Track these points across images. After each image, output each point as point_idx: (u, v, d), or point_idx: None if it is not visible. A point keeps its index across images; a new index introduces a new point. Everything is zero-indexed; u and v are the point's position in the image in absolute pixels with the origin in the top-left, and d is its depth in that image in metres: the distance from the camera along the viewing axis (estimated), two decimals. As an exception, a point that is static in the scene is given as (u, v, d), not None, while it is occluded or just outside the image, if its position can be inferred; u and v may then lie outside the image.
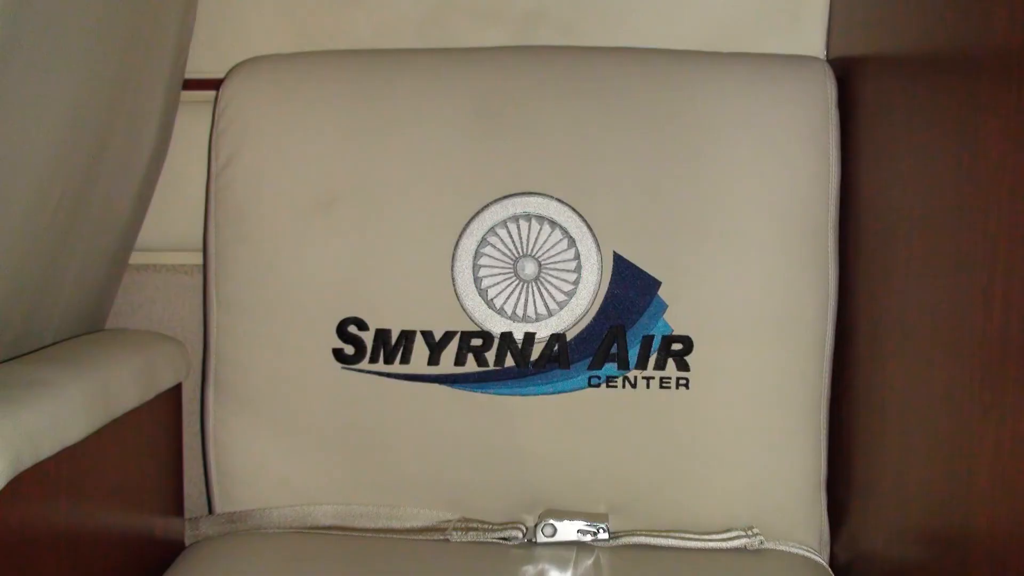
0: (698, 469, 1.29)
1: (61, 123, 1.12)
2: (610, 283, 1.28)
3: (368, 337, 1.29)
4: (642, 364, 1.27)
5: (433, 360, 1.28)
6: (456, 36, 1.45)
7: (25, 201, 1.10)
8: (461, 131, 1.30)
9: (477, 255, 1.28)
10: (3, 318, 1.14)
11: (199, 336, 1.44)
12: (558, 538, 1.26)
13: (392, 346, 1.29)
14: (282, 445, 1.32)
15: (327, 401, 1.30)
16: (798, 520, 1.29)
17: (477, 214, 1.28)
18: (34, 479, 0.95)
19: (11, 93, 0.99)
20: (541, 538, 1.26)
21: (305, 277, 1.30)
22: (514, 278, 1.28)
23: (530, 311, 1.28)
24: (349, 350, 1.29)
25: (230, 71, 1.35)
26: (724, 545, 1.26)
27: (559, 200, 1.28)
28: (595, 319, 1.28)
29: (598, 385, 1.28)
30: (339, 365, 1.29)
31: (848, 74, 1.30)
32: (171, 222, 1.47)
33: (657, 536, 1.27)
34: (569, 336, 1.28)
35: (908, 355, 1.07)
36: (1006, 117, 0.84)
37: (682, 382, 1.27)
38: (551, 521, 1.26)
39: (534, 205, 1.29)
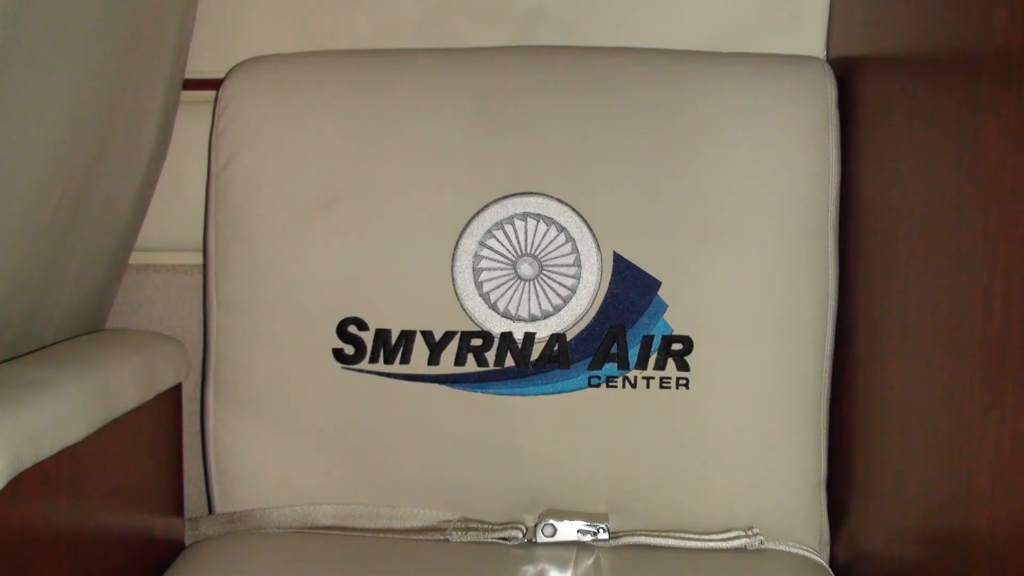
0: (698, 469, 1.29)
1: (61, 123, 1.12)
2: (610, 283, 1.28)
3: (368, 337, 1.29)
4: (642, 364, 1.27)
5: (433, 360, 1.28)
6: (456, 36, 1.45)
7: (25, 201, 1.10)
8: (461, 131, 1.30)
9: (477, 255, 1.28)
10: (3, 318, 1.14)
11: (199, 336, 1.44)
12: (558, 538, 1.26)
13: (392, 346, 1.29)
14: (282, 445, 1.32)
15: (327, 401, 1.30)
16: (798, 520, 1.29)
17: (477, 214, 1.28)
18: (34, 479, 0.95)
19: (11, 93, 0.99)
20: (541, 538, 1.26)
21: (305, 277, 1.30)
22: (514, 278, 1.28)
23: (530, 311, 1.28)
24: (349, 350, 1.29)
25: (230, 71, 1.35)
26: (724, 545, 1.25)
27: (559, 200, 1.28)
28: (595, 319, 1.28)
29: (598, 385, 1.28)
30: (339, 365, 1.29)
31: (848, 74, 1.30)
32: (171, 222, 1.47)
33: (657, 536, 1.27)
34: (569, 336, 1.28)
35: (908, 355, 1.07)
36: (1006, 117, 0.84)
37: (682, 382, 1.27)
38: (551, 521, 1.26)
39: (534, 205, 1.29)
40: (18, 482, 0.91)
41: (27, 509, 0.96)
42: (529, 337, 1.28)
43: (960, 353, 0.92)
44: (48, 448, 0.97)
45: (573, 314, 1.28)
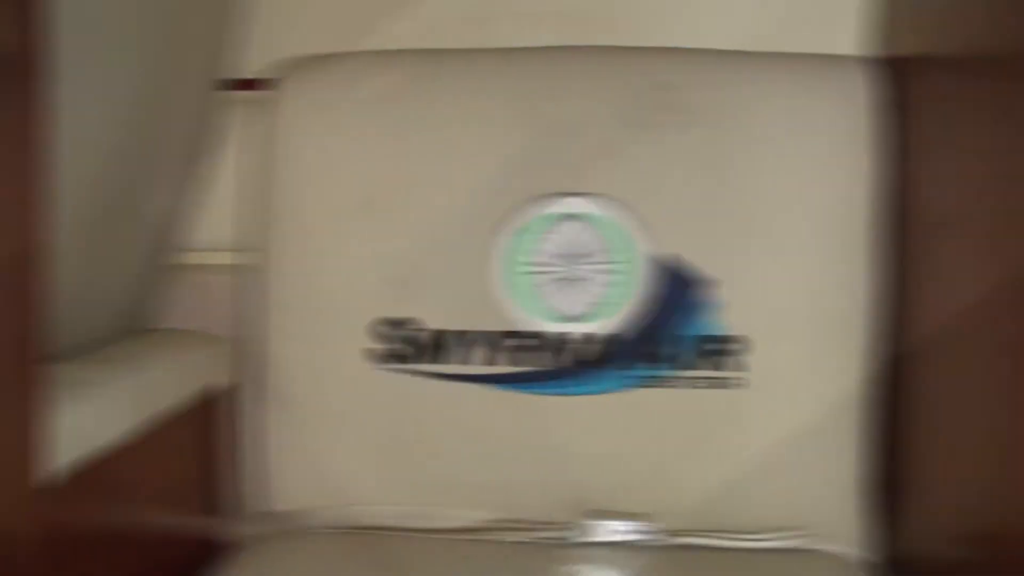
0: (746, 469, 1.28)
1: (107, 124, 1.12)
2: (658, 283, 1.27)
3: (412, 337, 1.29)
4: (689, 365, 1.26)
5: (475, 360, 1.28)
6: (503, 36, 1.44)
7: (72, 204, 1.10)
8: (509, 131, 1.31)
9: (521, 255, 1.28)
10: (48, 319, 1.15)
11: (240, 336, 1.44)
12: (601, 538, 1.26)
13: (434, 346, 1.29)
14: (325, 445, 1.32)
15: (368, 401, 1.30)
16: (848, 521, 1.28)
17: (522, 213, 1.28)
18: (78, 480, 0.95)
19: (65, 95, 1.00)
20: (584, 538, 1.26)
21: (350, 276, 1.31)
22: (559, 278, 1.28)
23: (575, 311, 1.28)
24: (392, 350, 1.29)
25: (281, 70, 1.36)
26: (772, 545, 1.25)
27: (606, 200, 1.28)
28: (643, 319, 1.27)
29: (644, 385, 1.27)
30: (380, 365, 1.29)
31: (897, 74, 1.29)
32: (213, 222, 1.47)
33: (704, 536, 1.26)
34: (616, 336, 1.27)
35: (960, 354, 1.06)
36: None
37: (731, 382, 1.26)
38: (595, 521, 1.26)
39: (580, 205, 1.28)
40: (62, 483, 0.91)
41: (71, 511, 0.97)
42: (574, 337, 1.28)
43: (1014, 352, 0.91)
44: (92, 449, 0.97)
45: (620, 314, 1.27)
